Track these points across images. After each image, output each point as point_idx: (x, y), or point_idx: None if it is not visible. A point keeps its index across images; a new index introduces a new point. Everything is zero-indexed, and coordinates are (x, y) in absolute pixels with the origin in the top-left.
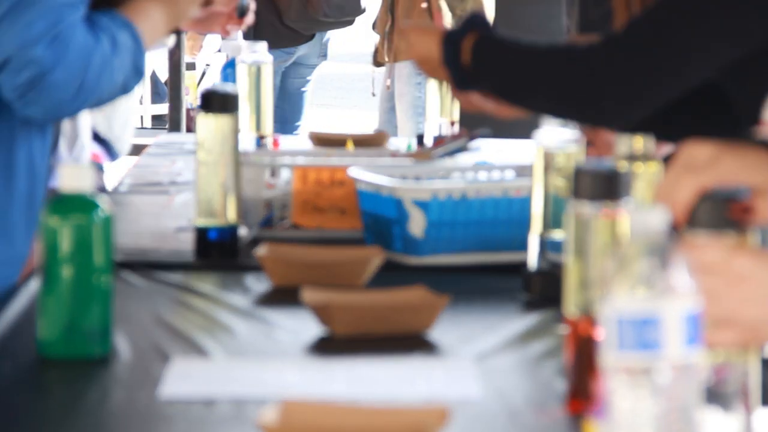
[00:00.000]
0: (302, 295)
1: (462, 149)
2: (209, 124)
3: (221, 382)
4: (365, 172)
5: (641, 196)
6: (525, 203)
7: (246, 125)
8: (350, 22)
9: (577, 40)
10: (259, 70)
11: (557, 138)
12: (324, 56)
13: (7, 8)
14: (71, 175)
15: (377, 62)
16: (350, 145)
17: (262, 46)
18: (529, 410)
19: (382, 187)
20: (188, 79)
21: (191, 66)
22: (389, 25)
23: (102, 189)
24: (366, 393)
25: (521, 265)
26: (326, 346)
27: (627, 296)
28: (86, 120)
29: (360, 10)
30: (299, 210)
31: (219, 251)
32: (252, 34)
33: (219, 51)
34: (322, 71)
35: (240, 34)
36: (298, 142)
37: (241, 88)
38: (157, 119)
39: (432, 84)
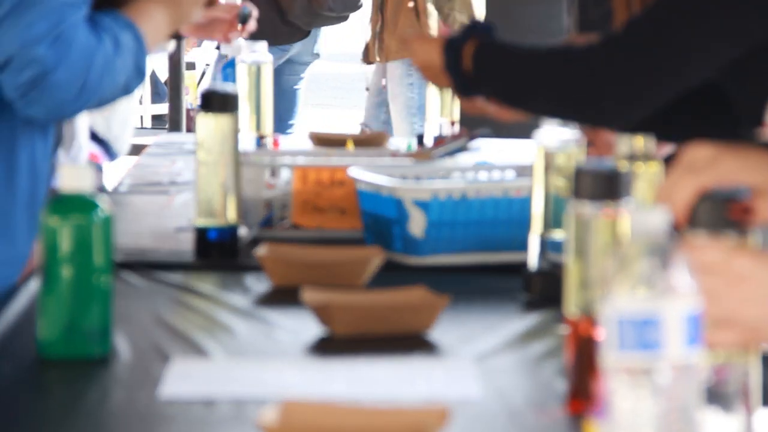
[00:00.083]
0: (302, 295)
1: (462, 149)
2: (209, 124)
3: (221, 383)
4: (365, 172)
5: (642, 196)
6: (525, 203)
7: (246, 125)
8: (346, 18)
9: (576, 40)
10: (259, 69)
11: (557, 138)
12: (317, 54)
13: (9, 8)
14: (71, 175)
15: (367, 61)
16: (350, 145)
17: (262, 45)
18: (529, 410)
19: (382, 187)
20: (188, 79)
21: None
22: (379, 24)
23: (101, 189)
24: (366, 393)
25: (521, 266)
26: (326, 346)
27: (627, 296)
28: (84, 121)
29: (358, 5)
30: (299, 210)
31: (219, 251)
32: None
33: (217, 48)
34: (321, 71)
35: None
36: (298, 142)
37: (241, 88)
38: (157, 119)
39: (431, 85)
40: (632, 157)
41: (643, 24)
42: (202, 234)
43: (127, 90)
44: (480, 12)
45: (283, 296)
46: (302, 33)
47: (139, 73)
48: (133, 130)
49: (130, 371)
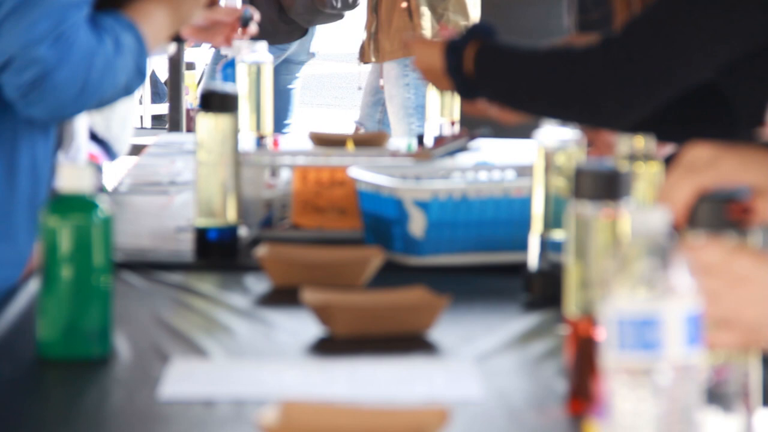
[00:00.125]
0: (302, 295)
1: (462, 149)
2: (209, 124)
3: (221, 383)
4: (365, 172)
5: (642, 197)
6: (525, 203)
7: (246, 125)
8: (342, 15)
9: (575, 40)
10: (259, 69)
11: (558, 138)
12: (312, 54)
13: (10, 8)
14: (71, 175)
15: (364, 60)
16: (350, 145)
17: (262, 45)
18: (529, 411)
19: (382, 188)
20: (188, 79)
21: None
22: (374, 25)
23: (101, 189)
24: (366, 393)
25: (522, 266)
26: (326, 347)
27: (627, 297)
28: (83, 121)
29: (357, 2)
30: (299, 210)
31: (219, 251)
32: None
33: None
34: (321, 71)
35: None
36: (298, 142)
37: (241, 88)
38: (156, 119)
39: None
40: (632, 157)
41: (643, 25)
42: (202, 234)
43: (127, 90)
44: (475, 12)
45: (283, 296)
46: (300, 32)
47: (139, 74)
48: (132, 130)
49: (129, 372)
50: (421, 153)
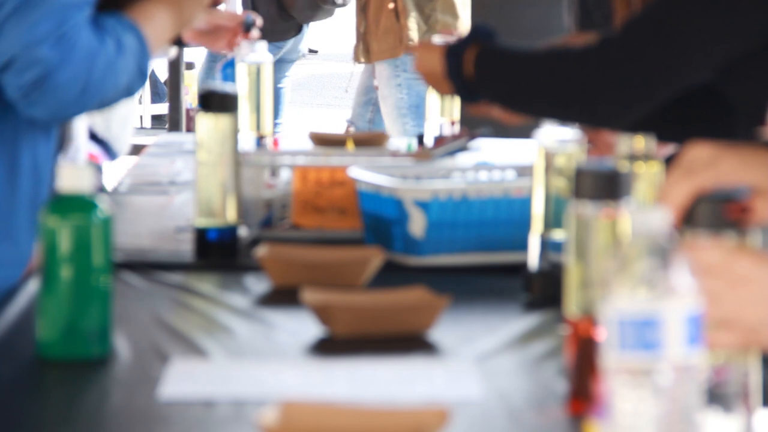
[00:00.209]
0: (302, 295)
1: (462, 149)
2: (209, 124)
3: (221, 383)
4: (365, 172)
5: (642, 197)
6: (526, 203)
7: (246, 125)
8: (333, 12)
9: (574, 40)
10: (259, 69)
11: (558, 138)
12: (303, 53)
13: (12, 8)
14: (71, 175)
15: (356, 61)
16: (350, 145)
17: (262, 45)
18: (529, 411)
19: (382, 188)
20: (188, 78)
21: (191, 66)
22: (363, 26)
23: (101, 189)
24: (366, 394)
25: (522, 266)
26: (326, 347)
27: (628, 297)
28: (82, 122)
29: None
30: (299, 210)
31: (219, 251)
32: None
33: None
34: (321, 71)
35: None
36: (298, 142)
37: (241, 87)
38: (156, 119)
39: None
40: (633, 158)
41: (642, 24)
42: (201, 234)
43: (129, 91)
44: (465, 12)
45: (283, 296)
46: (296, 29)
47: (141, 75)
48: (132, 130)
49: (129, 372)
50: (421, 153)
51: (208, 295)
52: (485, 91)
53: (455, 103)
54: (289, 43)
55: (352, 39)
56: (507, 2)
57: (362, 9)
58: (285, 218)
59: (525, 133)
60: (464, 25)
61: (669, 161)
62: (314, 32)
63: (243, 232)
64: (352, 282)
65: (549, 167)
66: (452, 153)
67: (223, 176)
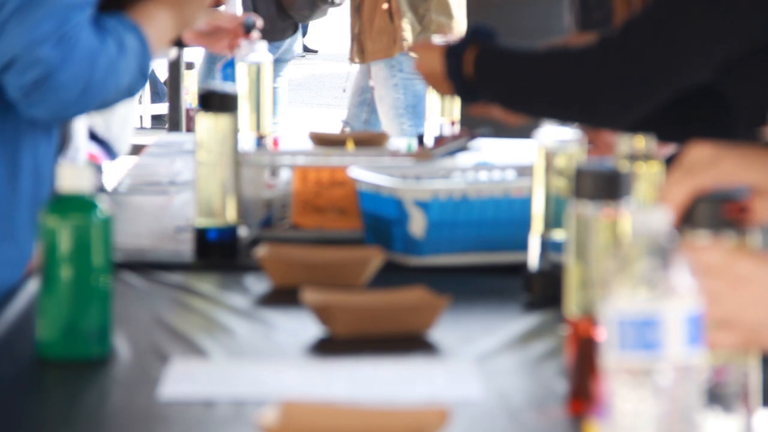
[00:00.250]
0: (302, 295)
1: (462, 149)
2: (209, 124)
3: (221, 383)
4: (365, 172)
5: (642, 197)
6: (526, 203)
7: (246, 125)
8: (326, 12)
9: (574, 40)
10: (259, 69)
11: (558, 138)
12: (297, 53)
13: (13, 8)
14: (70, 175)
15: (351, 61)
16: (350, 145)
17: (262, 45)
18: (529, 411)
19: (382, 188)
20: (187, 78)
21: (191, 66)
22: (357, 26)
23: (101, 189)
24: (366, 394)
25: (522, 266)
26: (326, 347)
27: (628, 297)
28: (81, 122)
29: None
30: (299, 210)
31: (219, 251)
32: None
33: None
34: (321, 71)
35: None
36: (298, 142)
37: (241, 87)
38: (156, 119)
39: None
40: (633, 157)
41: (642, 24)
42: (201, 234)
43: (130, 92)
44: (460, 12)
45: (283, 297)
46: (293, 29)
47: (143, 76)
48: (132, 130)
49: (129, 372)
50: (422, 153)
51: (208, 295)
52: (485, 91)
53: (455, 103)
54: (286, 43)
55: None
56: (507, 2)
57: (357, 9)
58: (285, 218)
59: (525, 133)
60: (459, 25)
61: (669, 161)
62: (314, 32)
63: (243, 232)
64: (352, 282)
65: (549, 167)
66: (452, 153)
67: (223, 176)
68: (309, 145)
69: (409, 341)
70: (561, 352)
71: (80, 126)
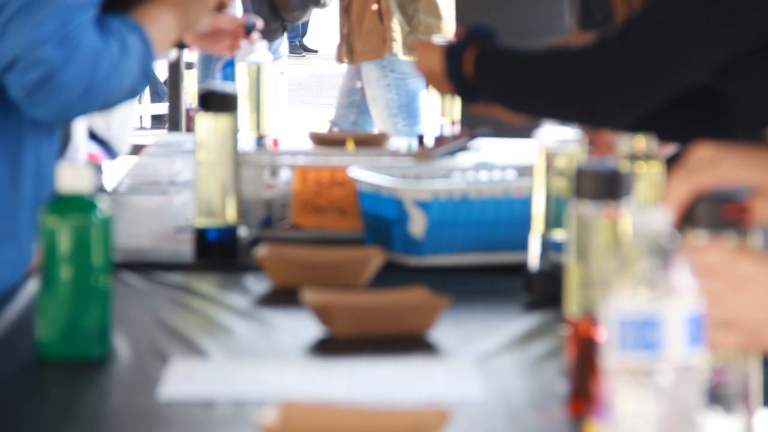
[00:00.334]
0: (302, 295)
1: (463, 149)
2: (209, 124)
3: (221, 384)
4: (365, 172)
5: (643, 197)
6: (526, 203)
7: (246, 125)
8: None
9: (574, 39)
10: (259, 69)
11: (558, 138)
12: (281, 54)
13: (16, 8)
14: (70, 175)
15: (339, 61)
16: (350, 145)
17: (262, 45)
18: (530, 411)
19: (382, 188)
20: (187, 78)
21: (190, 66)
22: (346, 26)
23: (101, 189)
24: (366, 394)
25: (522, 266)
26: (326, 347)
27: (628, 297)
28: (81, 122)
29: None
30: (299, 210)
31: (218, 252)
32: None
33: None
34: (321, 71)
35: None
36: (298, 142)
37: (241, 87)
38: (156, 119)
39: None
40: (633, 157)
41: (641, 24)
42: (201, 234)
43: (133, 93)
44: (448, 14)
45: (282, 297)
46: (282, 29)
47: (145, 77)
48: (132, 129)
49: (129, 372)
50: (422, 153)
51: (208, 295)
52: (485, 91)
53: (455, 103)
54: (275, 44)
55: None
56: (507, 2)
57: (345, 10)
58: (285, 218)
59: (525, 133)
60: (448, 26)
61: (670, 161)
62: (314, 32)
63: (243, 232)
64: (352, 282)
65: (549, 167)
66: (452, 153)
67: (223, 176)
68: (309, 145)
69: (409, 341)
70: (561, 352)
71: (80, 126)
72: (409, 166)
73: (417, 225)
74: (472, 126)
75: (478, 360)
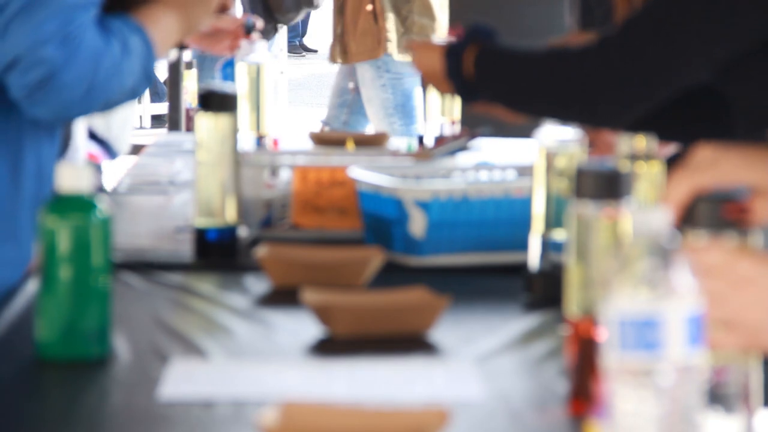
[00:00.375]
0: (302, 295)
1: (463, 149)
2: (208, 124)
3: (221, 384)
4: (365, 172)
5: (643, 196)
6: (526, 203)
7: (245, 125)
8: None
9: (574, 39)
10: (259, 69)
11: (559, 138)
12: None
13: (18, 8)
14: (70, 175)
15: (332, 61)
16: (350, 145)
17: (262, 45)
18: (530, 411)
19: (382, 188)
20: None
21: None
22: (340, 27)
23: (100, 189)
24: (366, 394)
25: (522, 266)
26: (326, 347)
27: (629, 297)
28: (80, 122)
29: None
30: (299, 210)
31: (218, 252)
32: None
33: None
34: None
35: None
36: (298, 142)
37: (241, 87)
38: (156, 119)
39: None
40: (634, 157)
41: (642, 24)
42: (201, 234)
43: (134, 94)
44: (442, 15)
45: (282, 297)
46: (274, 31)
47: (147, 78)
48: (132, 129)
49: (129, 372)
50: (422, 153)
51: (207, 296)
52: (485, 90)
53: (455, 103)
54: (268, 44)
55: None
56: (507, 2)
57: (339, 10)
58: (285, 218)
59: (525, 132)
60: (441, 27)
61: (670, 161)
62: (314, 32)
63: (243, 232)
64: (352, 282)
65: (550, 167)
66: (452, 153)
67: (222, 176)
68: (309, 145)
69: (409, 341)
70: (561, 352)
71: (80, 126)
72: (409, 166)
73: (417, 225)
74: (472, 126)
75: (478, 360)
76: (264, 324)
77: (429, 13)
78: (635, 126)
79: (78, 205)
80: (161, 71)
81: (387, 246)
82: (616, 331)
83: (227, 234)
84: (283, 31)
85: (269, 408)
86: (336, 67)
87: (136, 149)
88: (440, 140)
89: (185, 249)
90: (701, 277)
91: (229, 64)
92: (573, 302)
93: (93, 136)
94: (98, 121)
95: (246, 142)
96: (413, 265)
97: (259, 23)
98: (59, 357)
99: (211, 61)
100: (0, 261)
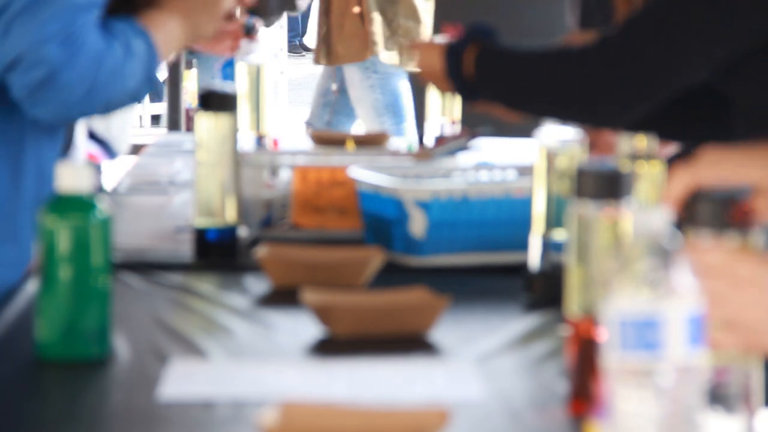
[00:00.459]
0: (302, 295)
1: (463, 149)
2: (208, 124)
3: (221, 384)
4: (365, 172)
5: (644, 196)
6: (526, 203)
7: (245, 125)
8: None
9: (575, 39)
10: (258, 69)
11: (559, 138)
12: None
13: (20, 7)
14: (70, 175)
15: (316, 62)
16: (350, 145)
17: (262, 46)
18: (530, 412)
19: (382, 188)
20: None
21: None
22: (325, 29)
23: (100, 189)
24: (366, 394)
25: (523, 266)
26: (326, 348)
27: (629, 297)
28: (80, 121)
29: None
30: (299, 210)
31: (218, 252)
32: None
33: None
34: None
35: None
36: (298, 142)
37: (241, 87)
38: (155, 119)
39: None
40: (634, 157)
41: (642, 24)
42: (201, 234)
43: (136, 97)
44: (428, 18)
45: (282, 297)
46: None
47: (149, 81)
48: (132, 129)
49: (128, 372)
50: (422, 153)
51: (207, 296)
52: (485, 90)
53: (456, 103)
54: None
55: None
56: (507, 2)
57: (324, 12)
58: (285, 218)
59: (526, 132)
60: (427, 30)
61: (671, 161)
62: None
63: (243, 232)
64: (352, 282)
65: (550, 167)
66: (452, 153)
67: (222, 176)
68: (309, 145)
69: (409, 341)
70: (562, 352)
71: (79, 126)
72: (409, 166)
73: (417, 225)
74: (473, 125)
75: (478, 360)
76: (264, 324)
77: (414, 16)
78: (636, 126)
79: (78, 205)
80: (161, 71)
81: (387, 246)
82: (616, 332)
83: (227, 234)
84: (283, 31)
85: (269, 408)
86: (321, 67)
87: (136, 149)
88: (440, 140)
89: (185, 249)
90: (702, 278)
91: (229, 64)
92: (573, 302)
93: (93, 136)
94: (98, 121)
95: (246, 142)
96: (413, 265)
97: (259, 24)
98: (59, 357)
99: (211, 61)
100: (0, 261)
